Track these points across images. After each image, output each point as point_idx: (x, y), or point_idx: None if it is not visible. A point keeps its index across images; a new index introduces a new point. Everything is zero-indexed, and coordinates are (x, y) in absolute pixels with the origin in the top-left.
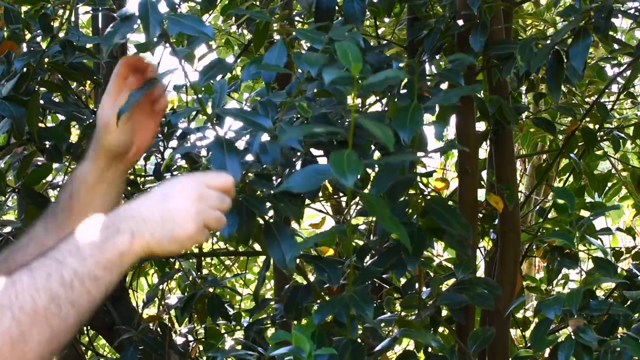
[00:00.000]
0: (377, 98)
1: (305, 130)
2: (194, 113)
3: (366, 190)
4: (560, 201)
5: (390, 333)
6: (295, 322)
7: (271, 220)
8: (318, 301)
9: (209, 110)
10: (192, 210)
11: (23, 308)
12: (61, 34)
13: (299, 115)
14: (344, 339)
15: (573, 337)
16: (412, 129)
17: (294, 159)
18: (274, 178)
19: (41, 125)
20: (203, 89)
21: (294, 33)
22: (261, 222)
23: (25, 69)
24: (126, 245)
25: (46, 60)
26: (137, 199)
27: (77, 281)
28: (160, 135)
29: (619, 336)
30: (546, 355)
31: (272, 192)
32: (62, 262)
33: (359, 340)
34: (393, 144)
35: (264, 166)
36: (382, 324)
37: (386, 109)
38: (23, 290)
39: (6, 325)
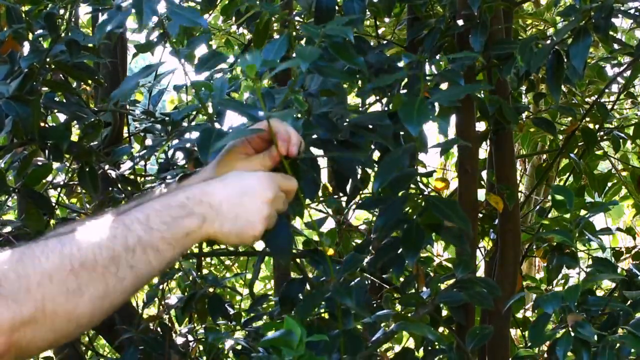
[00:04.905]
0: (377, 98)
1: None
2: (194, 113)
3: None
4: (559, 197)
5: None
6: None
7: None
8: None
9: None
10: (265, 212)
11: (84, 263)
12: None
13: (299, 115)
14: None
15: (571, 332)
16: (420, 121)
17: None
18: None
19: (42, 124)
20: (203, 89)
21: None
22: None
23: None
24: (194, 228)
25: (47, 60)
26: (215, 182)
27: (140, 248)
28: (164, 134)
29: (619, 333)
30: (545, 355)
31: None
32: (129, 227)
33: (355, 333)
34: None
35: None
36: (380, 320)
37: (386, 108)
38: (87, 246)
39: (64, 276)
